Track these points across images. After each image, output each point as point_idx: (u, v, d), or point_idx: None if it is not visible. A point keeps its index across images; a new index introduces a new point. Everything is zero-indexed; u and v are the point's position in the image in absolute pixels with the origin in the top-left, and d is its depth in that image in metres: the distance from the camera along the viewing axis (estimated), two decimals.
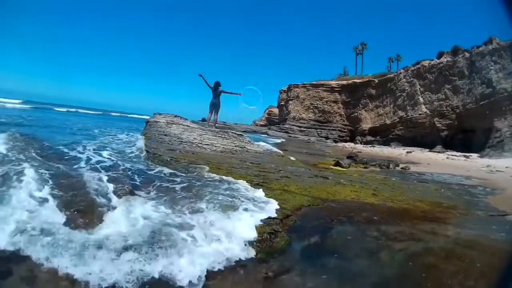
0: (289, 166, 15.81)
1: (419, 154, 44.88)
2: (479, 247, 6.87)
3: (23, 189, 6.78)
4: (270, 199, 8.93)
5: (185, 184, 9.57)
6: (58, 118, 44.38)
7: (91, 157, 12.05)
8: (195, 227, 6.48)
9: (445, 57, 58.42)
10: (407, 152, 46.52)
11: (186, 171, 11.53)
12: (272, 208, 8.19)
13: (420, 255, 6.47)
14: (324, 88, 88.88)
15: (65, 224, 5.91)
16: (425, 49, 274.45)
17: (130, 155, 14.27)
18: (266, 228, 7.03)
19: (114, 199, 7.46)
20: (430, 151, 49.00)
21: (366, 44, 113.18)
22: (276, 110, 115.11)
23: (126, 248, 5.29)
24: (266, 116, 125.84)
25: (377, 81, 77.28)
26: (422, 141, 57.53)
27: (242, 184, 10.10)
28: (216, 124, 22.78)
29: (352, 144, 68.23)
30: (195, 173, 11.32)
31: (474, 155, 39.79)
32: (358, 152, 40.04)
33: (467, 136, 51.45)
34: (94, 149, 13.60)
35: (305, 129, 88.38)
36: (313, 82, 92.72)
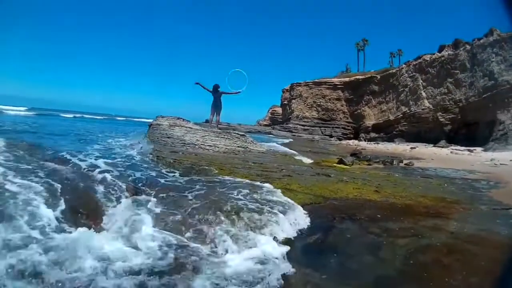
0: (292, 165, 15.84)
1: (423, 149, 44.79)
2: (482, 242, 6.88)
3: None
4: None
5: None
6: (62, 124, 44.18)
7: (94, 163, 12.04)
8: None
9: (446, 51, 58.38)
10: (411, 148, 46.53)
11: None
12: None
13: (422, 251, 6.46)
14: (327, 86, 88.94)
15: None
16: (426, 43, 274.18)
17: (134, 159, 14.29)
18: None
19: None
20: (434, 146, 48.96)
21: (367, 40, 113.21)
22: (279, 110, 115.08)
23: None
24: (270, 115, 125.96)
25: (379, 77, 77.29)
26: (426, 137, 57.46)
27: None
28: (219, 125, 22.83)
29: (356, 142, 68.23)
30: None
31: (478, 149, 39.63)
32: (362, 149, 40.00)
33: (470, 130, 51.34)
34: (96, 156, 13.57)
35: (308, 128, 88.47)
36: (316, 80, 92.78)
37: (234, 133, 20.83)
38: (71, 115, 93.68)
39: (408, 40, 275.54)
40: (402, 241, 6.89)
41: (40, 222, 5.90)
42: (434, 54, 61.63)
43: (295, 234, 7.20)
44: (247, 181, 10.60)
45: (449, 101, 56.56)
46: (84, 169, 10.49)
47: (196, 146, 17.65)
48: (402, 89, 67.82)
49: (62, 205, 6.79)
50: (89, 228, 6.14)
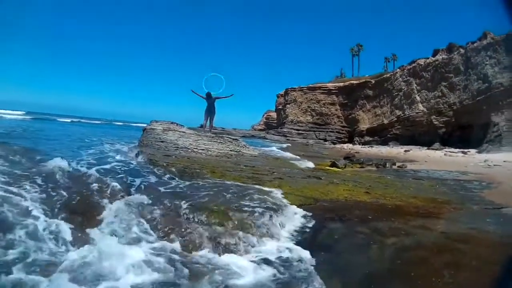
0: (283, 168, 15.93)
1: (417, 152, 44.92)
2: (471, 240, 6.91)
3: None
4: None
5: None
6: (58, 128, 44.34)
7: (86, 168, 12.10)
8: None
9: (440, 55, 58.64)
10: (405, 151, 46.64)
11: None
12: None
13: (410, 250, 6.52)
14: (321, 91, 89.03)
15: None
16: (421, 47, 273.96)
17: (128, 163, 14.35)
18: None
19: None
20: (428, 148, 49.02)
21: (362, 45, 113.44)
22: (274, 114, 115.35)
23: None
24: (264, 120, 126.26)
25: (373, 81, 77.50)
26: (420, 139, 57.61)
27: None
28: (213, 130, 22.98)
29: (350, 145, 68.24)
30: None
31: (472, 151, 39.89)
32: (356, 152, 40.08)
33: (465, 132, 51.52)
34: (88, 161, 13.61)
35: (303, 132, 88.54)
36: (310, 85, 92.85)
37: (227, 137, 21.04)
38: (68, 120, 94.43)
39: (403, 45, 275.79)
40: (390, 240, 6.94)
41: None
42: (428, 58, 61.86)
43: (286, 234, 7.29)
44: (238, 183, 10.75)
45: (443, 104, 56.74)
46: (78, 173, 10.59)
47: (189, 150, 17.80)
48: (396, 93, 67.89)
49: (58, 209, 7.08)
50: (84, 229, 6.50)
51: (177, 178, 10.91)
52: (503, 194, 12.94)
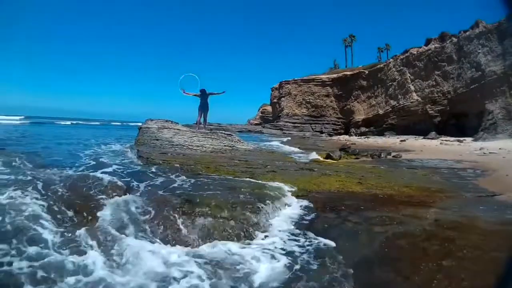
0: (276, 161, 16.03)
1: (413, 141, 45.04)
2: (462, 228, 6.95)
3: None
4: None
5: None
6: (55, 132, 44.26)
7: (84, 169, 12.30)
8: None
9: (433, 44, 58.60)
10: (401, 141, 46.74)
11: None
12: None
13: (399, 237, 6.59)
14: (315, 83, 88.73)
15: None
16: (414, 37, 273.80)
17: (124, 162, 14.53)
18: None
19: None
20: (424, 138, 49.12)
21: (354, 36, 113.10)
22: (269, 108, 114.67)
23: None
24: (260, 114, 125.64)
25: (367, 72, 77.35)
26: (416, 129, 57.55)
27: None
28: (208, 126, 23.17)
29: (346, 137, 68.32)
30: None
31: (468, 139, 39.96)
32: (351, 144, 40.03)
33: (460, 121, 51.59)
34: (85, 163, 13.76)
35: (299, 125, 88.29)
36: (304, 78, 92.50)
37: (221, 133, 21.24)
38: (68, 122, 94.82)
39: (396, 34, 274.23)
40: (380, 229, 7.04)
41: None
42: (421, 47, 61.73)
43: (278, 224, 7.60)
44: (231, 177, 11.09)
45: (438, 93, 56.75)
46: (76, 173, 10.82)
47: (184, 147, 17.95)
48: (390, 83, 67.82)
49: (59, 207, 7.37)
50: (83, 226, 6.82)
51: (172, 175, 11.07)
52: (497, 181, 12.94)
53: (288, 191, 9.83)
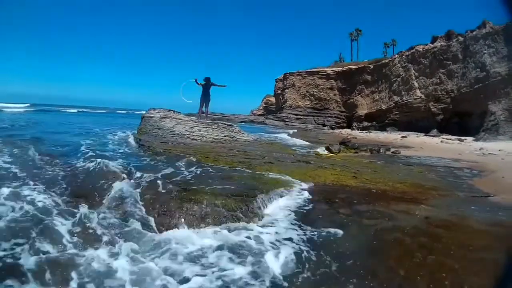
0: (274, 153, 16.18)
1: (414, 138, 44.86)
2: (451, 226, 7.11)
3: None
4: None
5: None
6: (60, 119, 44.34)
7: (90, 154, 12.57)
8: None
9: (439, 42, 58.35)
10: (402, 137, 46.65)
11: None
12: None
13: (388, 231, 6.77)
14: (320, 76, 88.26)
15: None
16: (420, 33, 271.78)
17: (126, 150, 14.86)
18: None
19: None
20: (425, 135, 48.96)
21: (361, 30, 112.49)
22: (273, 99, 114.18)
23: None
24: (264, 105, 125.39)
25: (372, 67, 77.01)
26: (418, 126, 57.41)
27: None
28: (211, 116, 23.39)
29: (348, 130, 68.21)
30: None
31: (469, 139, 39.82)
32: (353, 138, 40.00)
33: (463, 120, 51.41)
34: (89, 150, 14.01)
35: (302, 117, 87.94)
36: (309, 70, 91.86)
37: (221, 123, 21.45)
38: (74, 110, 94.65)
39: (402, 30, 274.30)
40: (370, 222, 7.25)
41: None
42: (427, 45, 61.38)
43: (272, 212, 8.00)
44: (229, 167, 11.42)
45: (441, 91, 56.56)
46: (81, 160, 11.14)
47: (185, 137, 18.18)
48: (394, 79, 67.55)
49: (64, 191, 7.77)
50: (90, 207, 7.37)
51: (172, 164, 11.45)
52: (493, 182, 12.96)
53: (284, 182, 9.99)
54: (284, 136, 37.23)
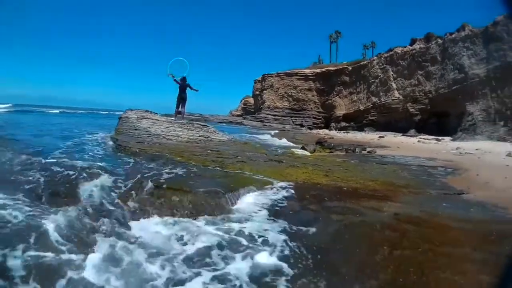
0: (247, 153, 16.22)
1: (392, 138, 45.03)
2: (420, 222, 7.21)
3: None
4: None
5: None
6: (41, 120, 43.95)
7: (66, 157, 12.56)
8: None
9: (418, 44, 58.79)
10: (380, 137, 46.81)
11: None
12: None
13: (355, 226, 6.89)
14: (298, 77, 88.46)
15: None
16: (400, 36, 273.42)
17: (102, 150, 14.91)
18: None
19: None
20: (403, 135, 49.25)
21: (340, 32, 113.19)
22: (251, 100, 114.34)
23: None
24: (242, 106, 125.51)
25: (350, 68, 77.47)
26: (396, 126, 57.77)
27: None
28: (189, 116, 23.34)
29: (326, 131, 68.17)
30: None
31: (447, 138, 40.09)
32: (330, 138, 40.25)
33: (440, 120, 51.85)
34: (66, 150, 14.04)
35: (280, 118, 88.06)
36: (287, 71, 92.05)
37: (197, 123, 21.52)
38: (56, 111, 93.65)
39: (382, 33, 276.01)
40: (339, 217, 7.33)
41: None
42: (405, 47, 61.92)
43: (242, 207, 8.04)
44: (202, 165, 11.49)
45: (419, 92, 56.98)
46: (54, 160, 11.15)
47: (161, 137, 18.28)
48: (372, 80, 68.02)
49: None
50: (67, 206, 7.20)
51: (147, 162, 11.66)
52: (466, 180, 13.05)
53: (255, 180, 10.06)
54: (267, 137, 37.57)
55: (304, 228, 6.63)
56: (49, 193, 8.00)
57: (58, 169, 9.83)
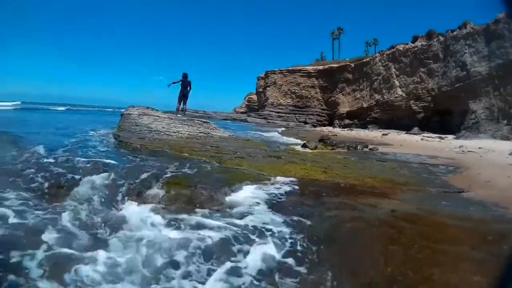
0: (247, 149, 16.27)
1: (395, 136, 45.07)
2: (417, 220, 7.13)
3: None
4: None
5: None
6: (47, 117, 43.98)
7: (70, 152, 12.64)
8: None
9: (419, 41, 58.67)
10: (383, 134, 46.80)
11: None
12: None
13: (351, 222, 6.86)
14: (301, 74, 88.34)
15: None
16: (402, 33, 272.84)
17: (105, 146, 14.97)
18: None
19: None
20: (406, 133, 49.16)
21: (342, 29, 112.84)
22: (255, 97, 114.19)
23: None
24: (246, 103, 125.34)
25: (353, 65, 77.38)
26: (399, 124, 57.66)
27: None
28: (189, 113, 23.33)
29: (330, 128, 68.11)
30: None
31: (450, 136, 39.92)
32: (333, 135, 40.25)
33: (443, 118, 51.68)
34: (70, 147, 14.11)
35: (283, 115, 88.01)
36: (290, 68, 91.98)
37: (197, 120, 21.54)
38: (63, 108, 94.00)
39: (385, 30, 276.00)
40: (335, 213, 7.36)
41: None
42: (407, 44, 61.82)
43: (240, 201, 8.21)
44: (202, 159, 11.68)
45: (422, 89, 56.85)
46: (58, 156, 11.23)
47: (161, 133, 18.40)
48: (375, 77, 68.04)
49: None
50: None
51: (147, 157, 11.72)
52: (467, 179, 12.88)
53: (253, 175, 10.12)
54: (274, 134, 38.35)
55: (302, 224, 6.68)
56: (53, 189, 8.24)
57: (61, 167, 9.87)
